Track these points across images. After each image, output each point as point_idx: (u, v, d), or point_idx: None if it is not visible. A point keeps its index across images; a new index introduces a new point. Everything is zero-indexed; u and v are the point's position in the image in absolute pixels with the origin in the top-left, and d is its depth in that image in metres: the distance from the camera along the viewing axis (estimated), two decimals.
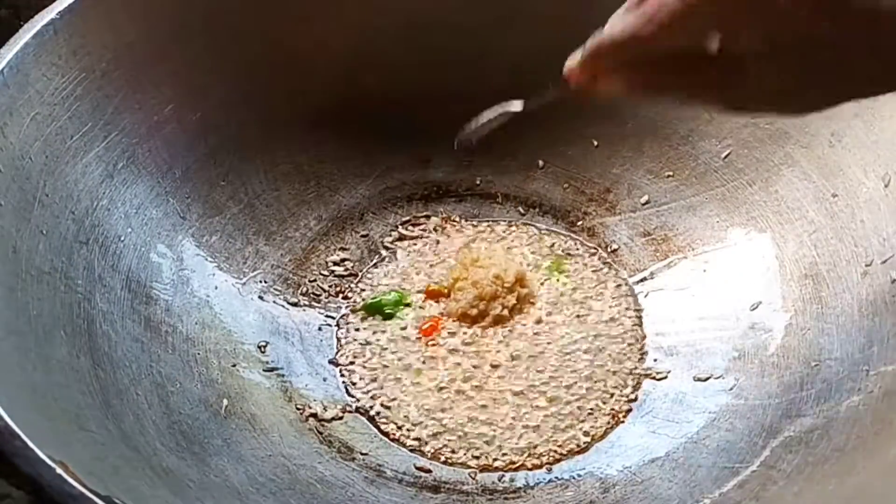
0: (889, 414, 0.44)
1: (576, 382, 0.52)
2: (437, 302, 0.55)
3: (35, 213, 0.45)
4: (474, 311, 0.54)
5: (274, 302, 0.55)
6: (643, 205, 0.59)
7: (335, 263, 0.57)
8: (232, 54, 0.55)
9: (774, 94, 0.35)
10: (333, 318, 0.55)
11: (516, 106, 0.46)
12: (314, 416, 0.50)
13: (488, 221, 0.60)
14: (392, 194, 0.61)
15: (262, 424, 0.48)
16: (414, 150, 0.61)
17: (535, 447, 0.50)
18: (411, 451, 0.49)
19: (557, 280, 0.57)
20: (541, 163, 0.61)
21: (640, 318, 0.56)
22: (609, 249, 0.59)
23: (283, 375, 0.52)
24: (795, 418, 0.48)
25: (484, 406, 0.51)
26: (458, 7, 0.58)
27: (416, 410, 0.51)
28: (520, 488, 0.48)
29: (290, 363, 0.52)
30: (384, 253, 0.58)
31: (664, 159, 0.59)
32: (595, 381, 0.52)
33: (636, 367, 0.53)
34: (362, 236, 0.59)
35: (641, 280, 0.57)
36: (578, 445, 0.50)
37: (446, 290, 0.56)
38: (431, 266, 0.57)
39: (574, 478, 0.49)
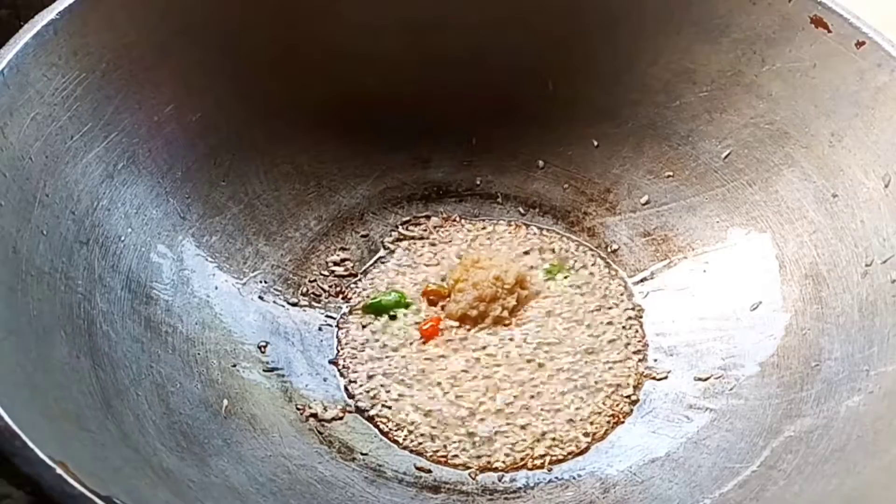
0: (889, 414, 0.44)
1: (576, 383, 0.52)
2: (437, 304, 0.55)
3: (35, 213, 0.45)
4: (474, 313, 0.54)
5: (274, 302, 0.55)
6: (643, 205, 0.59)
7: (335, 263, 0.57)
8: (232, 54, 0.55)
9: None
10: (333, 318, 0.55)
11: None
12: (314, 416, 0.50)
13: (488, 221, 0.60)
14: (392, 194, 0.61)
15: (262, 424, 0.48)
16: (414, 150, 0.61)
17: (535, 448, 0.50)
18: (411, 451, 0.49)
19: (557, 280, 0.57)
20: (541, 163, 0.61)
21: (640, 318, 0.56)
22: (609, 249, 0.59)
23: (283, 375, 0.52)
24: (795, 418, 0.48)
25: (484, 407, 0.51)
26: (458, 7, 0.58)
27: (416, 411, 0.51)
28: (520, 488, 0.48)
29: (291, 363, 0.52)
30: (384, 253, 0.58)
31: (664, 159, 0.59)
32: (595, 382, 0.52)
33: (636, 368, 0.53)
34: (362, 236, 0.59)
35: (641, 280, 0.57)
36: (579, 446, 0.50)
37: (446, 291, 0.56)
38: (431, 266, 0.57)
39: (574, 478, 0.49)
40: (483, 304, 0.54)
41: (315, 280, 0.57)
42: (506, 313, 0.54)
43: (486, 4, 0.58)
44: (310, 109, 0.58)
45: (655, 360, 0.54)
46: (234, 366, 0.51)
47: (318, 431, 0.50)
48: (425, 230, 0.60)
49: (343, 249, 0.58)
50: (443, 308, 0.55)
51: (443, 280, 0.56)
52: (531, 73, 0.60)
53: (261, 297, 0.55)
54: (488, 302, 0.54)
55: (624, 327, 0.55)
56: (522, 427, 0.50)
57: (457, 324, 0.54)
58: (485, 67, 0.59)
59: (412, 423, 0.50)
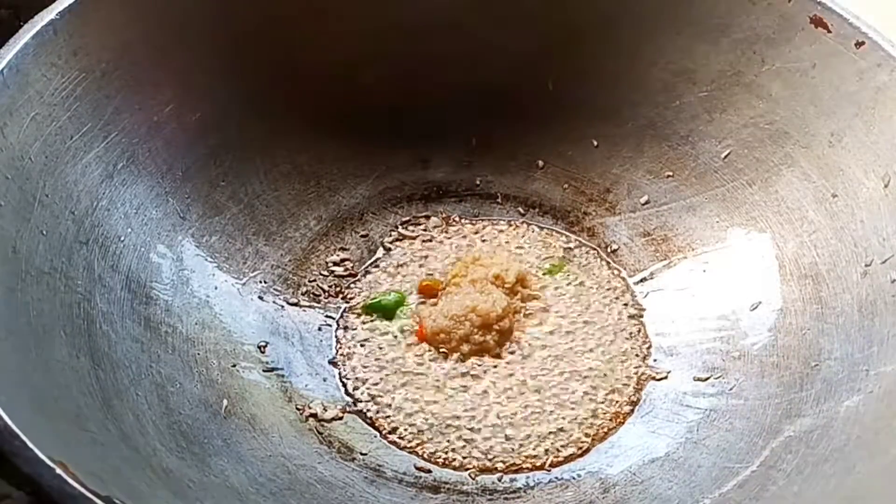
0: (889, 414, 0.44)
1: (576, 383, 0.52)
2: (431, 297, 0.55)
3: (35, 213, 0.45)
4: (441, 337, 0.53)
5: (274, 302, 0.55)
6: (643, 205, 0.59)
7: (335, 263, 0.57)
8: (232, 54, 0.55)
9: None
10: (333, 318, 0.55)
11: None
12: (314, 416, 0.50)
13: (488, 221, 0.60)
14: (392, 194, 0.61)
15: (262, 424, 0.48)
16: (414, 150, 0.61)
17: (535, 448, 0.50)
18: (411, 451, 0.49)
19: (557, 280, 0.57)
20: (541, 163, 0.61)
21: (640, 318, 0.56)
22: (609, 249, 0.59)
23: (283, 375, 0.52)
24: (795, 418, 0.48)
25: (484, 407, 0.51)
26: (458, 7, 0.58)
27: (416, 411, 0.51)
28: (520, 488, 0.48)
29: (290, 363, 0.52)
30: (384, 253, 0.58)
31: (664, 159, 0.59)
32: (596, 382, 0.52)
33: (637, 368, 0.53)
34: (362, 236, 0.59)
35: (641, 280, 0.57)
36: (580, 447, 0.50)
37: (441, 285, 0.56)
38: (431, 266, 0.57)
39: (574, 478, 0.49)
40: (453, 341, 0.53)
41: (315, 280, 0.57)
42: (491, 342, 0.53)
43: (485, 5, 0.58)
44: (310, 109, 0.58)
45: (655, 360, 0.54)
46: (234, 366, 0.51)
47: (318, 431, 0.50)
48: (425, 230, 0.60)
49: (343, 249, 0.58)
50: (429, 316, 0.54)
51: (442, 279, 0.56)
52: (531, 74, 0.60)
53: (260, 297, 0.55)
54: (459, 340, 0.53)
55: (624, 327, 0.55)
56: (523, 427, 0.50)
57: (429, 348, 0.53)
58: (485, 67, 0.59)
59: (412, 423, 0.50)
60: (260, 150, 0.58)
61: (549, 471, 0.49)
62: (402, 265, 0.58)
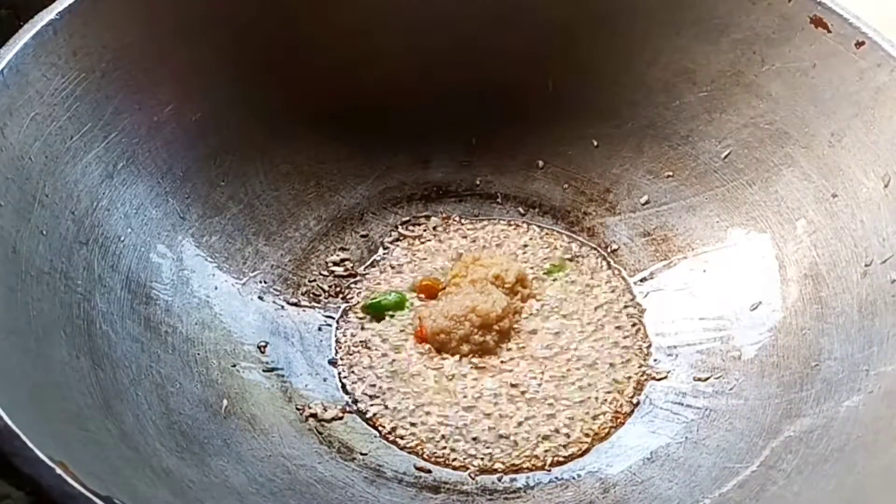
0: (889, 414, 0.44)
1: (577, 383, 0.52)
2: (430, 297, 0.55)
3: (35, 214, 0.45)
4: (441, 337, 0.53)
5: (274, 302, 0.55)
6: (643, 205, 0.59)
7: (335, 263, 0.57)
8: (232, 55, 0.55)
9: None
10: (333, 318, 0.55)
11: None
12: (314, 416, 0.50)
13: (488, 221, 0.60)
14: (392, 194, 0.61)
15: (262, 425, 0.48)
16: (414, 150, 0.61)
17: (535, 449, 0.50)
18: (411, 451, 0.49)
19: (557, 280, 0.57)
20: (541, 163, 0.61)
21: (640, 318, 0.56)
22: (609, 249, 0.59)
23: (283, 375, 0.52)
24: (795, 418, 0.48)
25: (484, 407, 0.51)
26: (458, 7, 0.58)
27: (416, 411, 0.51)
28: (520, 489, 0.48)
29: (290, 363, 0.52)
30: (384, 253, 0.58)
31: (664, 159, 0.59)
32: (596, 382, 0.52)
33: (637, 368, 0.53)
34: (362, 236, 0.59)
35: (641, 280, 0.57)
36: (581, 447, 0.50)
37: (441, 285, 0.56)
38: (431, 266, 0.57)
39: (574, 478, 0.49)
40: (455, 338, 0.53)
41: (315, 280, 0.57)
42: (491, 342, 0.53)
43: (486, 4, 0.58)
44: (309, 109, 0.58)
45: (656, 360, 0.54)
46: (234, 366, 0.51)
47: (318, 431, 0.50)
48: (425, 230, 0.60)
49: (343, 249, 0.58)
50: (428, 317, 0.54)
51: (442, 279, 0.56)
52: (531, 73, 0.60)
53: (260, 298, 0.55)
54: (460, 339, 0.53)
55: (624, 327, 0.55)
56: (523, 427, 0.50)
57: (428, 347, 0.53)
58: (485, 68, 0.59)
59: (411, 423, 0.50)
60: (260, 150, 0.58)
61: (549, 471, 0.49)
62: (402, 265, 0.58)
